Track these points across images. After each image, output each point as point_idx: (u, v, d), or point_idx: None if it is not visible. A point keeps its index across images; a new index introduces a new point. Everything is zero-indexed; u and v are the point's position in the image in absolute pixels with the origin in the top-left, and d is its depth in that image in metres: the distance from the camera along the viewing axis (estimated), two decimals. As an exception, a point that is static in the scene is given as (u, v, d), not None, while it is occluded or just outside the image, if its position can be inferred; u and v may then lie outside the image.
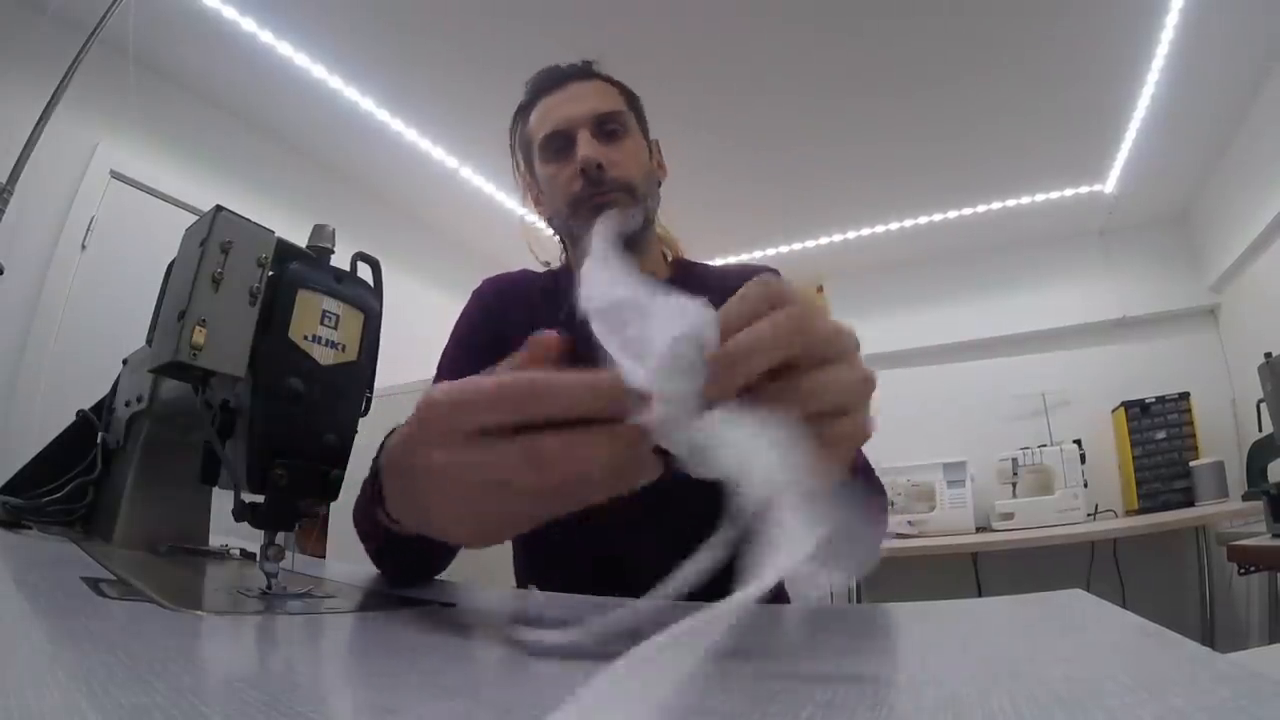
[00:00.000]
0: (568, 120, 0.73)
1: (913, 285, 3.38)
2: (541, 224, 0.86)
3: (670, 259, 0.86)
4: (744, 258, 3.31)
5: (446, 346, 0.79)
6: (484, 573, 0.57)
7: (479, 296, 0.83)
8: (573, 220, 0.74)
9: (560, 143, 0.74)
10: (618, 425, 0.26)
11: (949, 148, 2.50)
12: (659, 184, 0.81)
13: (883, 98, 2.23)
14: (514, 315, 0.78)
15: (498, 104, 2.25)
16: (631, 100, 0.80)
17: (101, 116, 1.91)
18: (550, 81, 0.77)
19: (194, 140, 2.19)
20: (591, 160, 0.70)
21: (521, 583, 0.75)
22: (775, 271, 0.82)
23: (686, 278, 0.81)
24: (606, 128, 0.74)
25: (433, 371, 0.77)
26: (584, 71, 0.78)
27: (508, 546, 0.73)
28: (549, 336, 0.30)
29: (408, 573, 0.57)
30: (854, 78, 2.14)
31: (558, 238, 0.84)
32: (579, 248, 0.77)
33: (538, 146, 0.75)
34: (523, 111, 0.80)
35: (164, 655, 0.24)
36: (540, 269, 0.88)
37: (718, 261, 0.93)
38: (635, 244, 0.75)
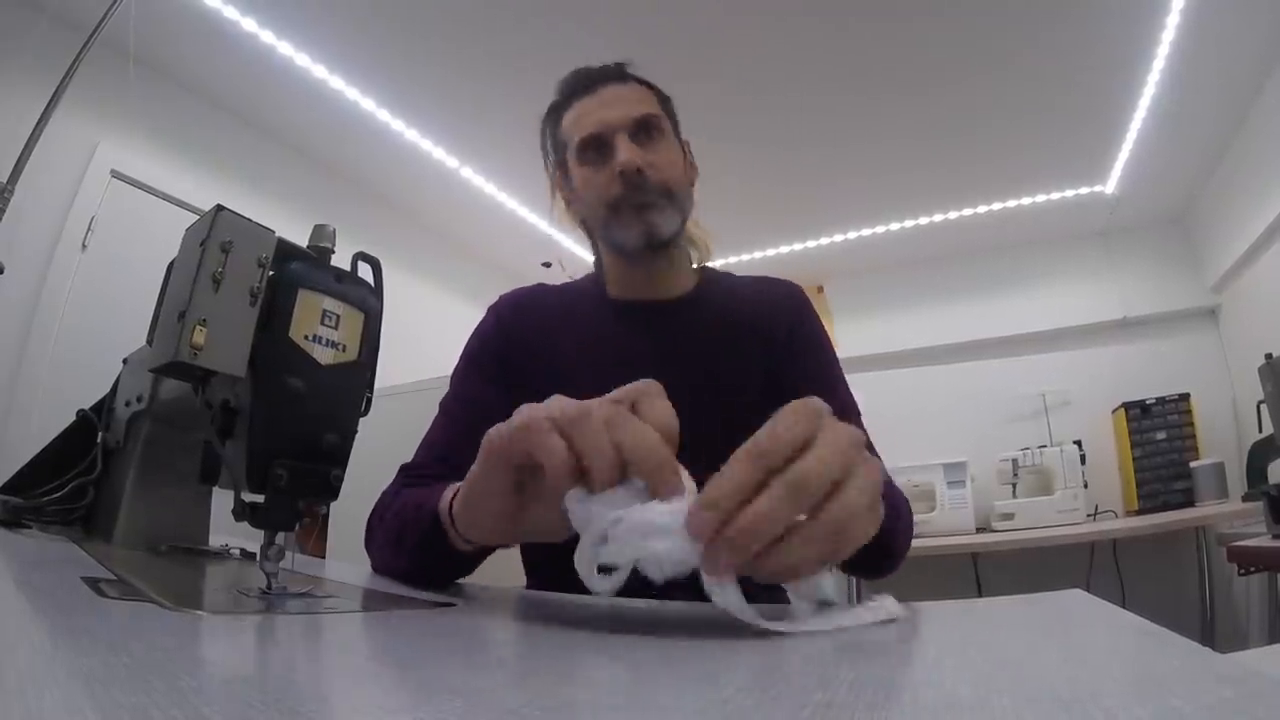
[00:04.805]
0: (605, 124, 0.73)
1: (913, 285, 3.38)
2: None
3: (696, 264, 0.86)
4: (744, 258, 3.31)
5: (458, 363, 0.80)
6: (485, 573, 0.57)
7: (494, 313, 0.82)
8: (612, 222, 0.74)
9: (597, 145, 0.74)
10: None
11: (949, 148, 2.50)
12: (691, 184, 0.81)
13: (883, 98, 2.23)
14: (531, 329, 0.79)
15: (498, 104, 2.27)
16: (665, 102, 0.80)
17: (101, 116, 1.91)
18: (584, 84, 0.77)
19: (194, 140, 2.19)
20: (631, 164, 0.71)
21: (533, 585, 0.75)
22: (794, 285, 0.85)
23: (710, 289, 0.82)
24: (644, 131, 0.74)
25: (433, 370, 0.78)
26: (617, 74, 0.78)
27: (511, 552, 0.73)
28: None
29: (432, 576, 0.57)
30: (854, 78, 2.14)
31: (589, 240, 0.85)
32: (615, 250, 0.78)
33: (574, 150, 0.75)
34: (554, 113, 0.80)
35: (164, 655, 0.24)
36: (560, 275, 0.90)
37: (722, 262, 0.94)
38: (667, 251, 0.77)
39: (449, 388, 0.77)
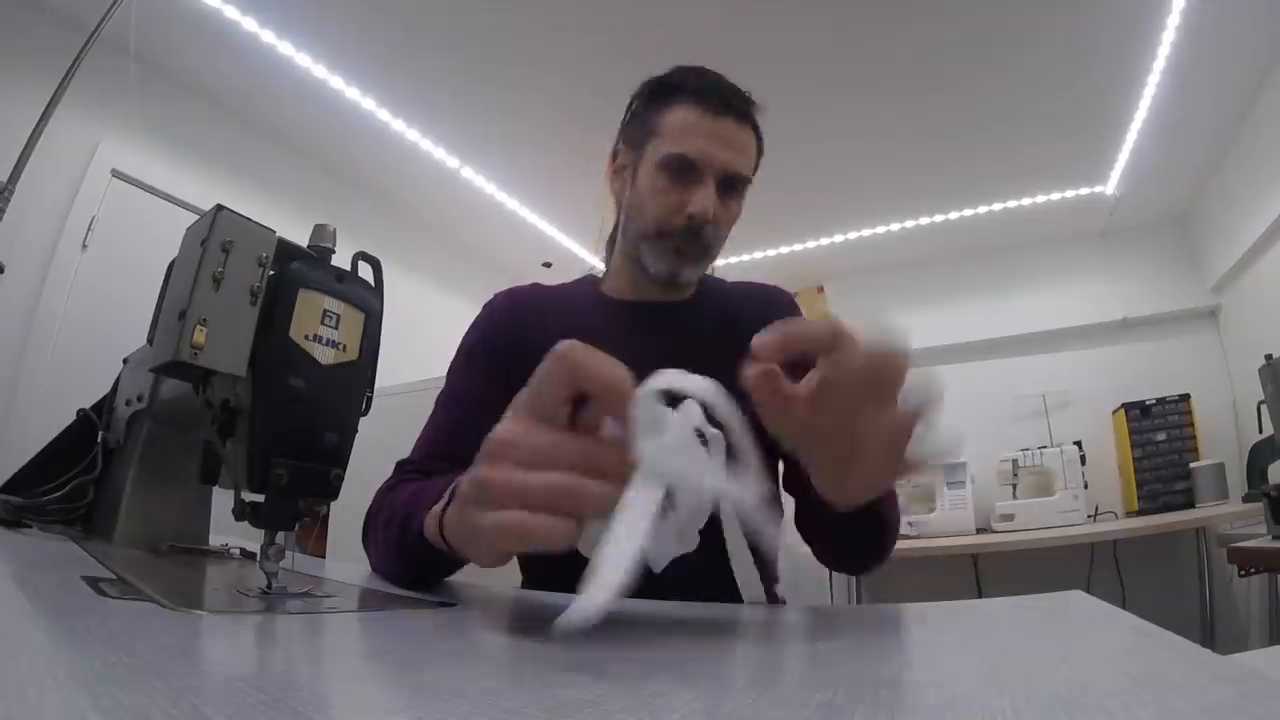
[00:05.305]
0: (707, 160, 0.72)
1: (913, 286, 3.38)
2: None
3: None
4: (744, 258, 3.30)
5: (454, 358, 0.80)
6: (483, 573, 0.58)
7: (490, 309, 0.82)
8: (651, 241, 0.75)
9: (683, 166, 0.72)
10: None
11: (949, 148, 2.50)
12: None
13: (883, 98, 2.23)
14: (527, 327, 0.78)
15: (498, 104, 2.27)
16: (759, 153, 0.79)
17: (102, 116, 1.91)
18: (710, 99, 0.73)
19: (194, 140, 2.19)
20: (705, 216, 0.72)
21: (529, 584, 0.75)
22: (786, 294, 0.85)
23: (707, 293, 0.83)
24: (731, 185, 0.74)
25: (433, 370, 0.78)
26: (742, 110, 0.75)
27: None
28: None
29: (428, 582, 0.58)
30: (855, 78, 2.14)
31: (616, 214, 0.83)
32: (635, 256, 0.78)
33: (662, 153, 0.74)
34: (663, 93, 0.76)
35: (164, 655, 0.24)
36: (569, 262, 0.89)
37: (723, 262, 0.93)
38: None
39: (445, 383, 0.77)
